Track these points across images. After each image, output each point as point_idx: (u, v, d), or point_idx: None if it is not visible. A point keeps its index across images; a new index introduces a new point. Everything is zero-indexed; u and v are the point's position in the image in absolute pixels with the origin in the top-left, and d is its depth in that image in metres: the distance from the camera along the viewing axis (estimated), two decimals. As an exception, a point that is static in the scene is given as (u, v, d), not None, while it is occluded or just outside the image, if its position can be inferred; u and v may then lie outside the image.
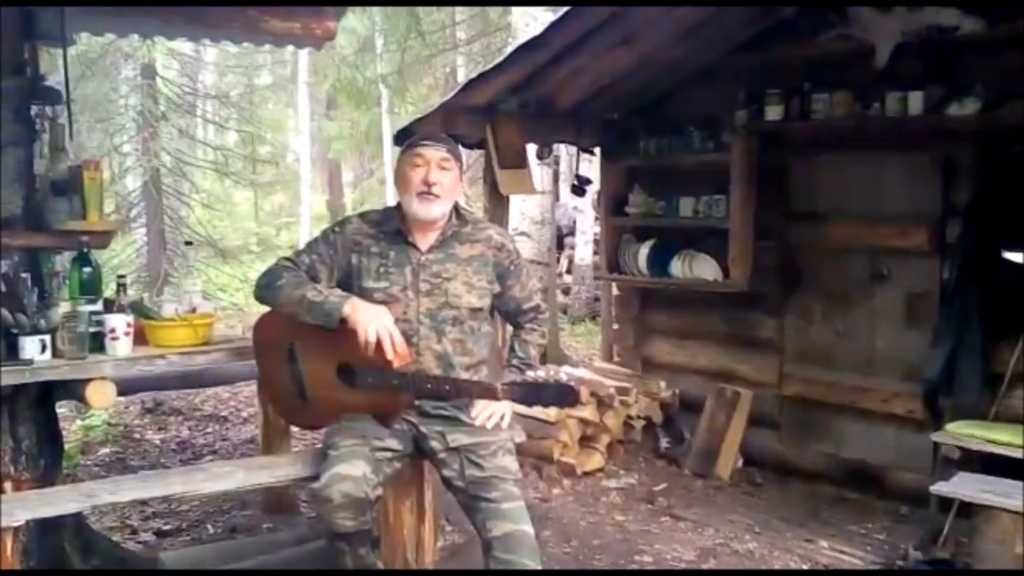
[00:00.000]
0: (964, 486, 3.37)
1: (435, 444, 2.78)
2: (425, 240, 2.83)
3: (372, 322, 2.64)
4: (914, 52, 4.07)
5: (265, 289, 2.85)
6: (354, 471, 2.59)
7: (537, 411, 4.77)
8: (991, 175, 3.98)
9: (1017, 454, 3.53)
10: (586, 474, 4.87)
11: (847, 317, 4.63)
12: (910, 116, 4.12)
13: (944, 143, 4.14)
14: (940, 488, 3.41)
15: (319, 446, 2.91)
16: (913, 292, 4.36)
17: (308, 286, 2.76)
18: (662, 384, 5.31)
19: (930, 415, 4.17)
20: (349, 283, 2.84)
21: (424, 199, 2.75)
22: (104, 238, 3.30)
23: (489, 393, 2.73)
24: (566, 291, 10.41)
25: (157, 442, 5.51)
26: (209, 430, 5.81)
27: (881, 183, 4.43)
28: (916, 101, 4.10)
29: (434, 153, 2.78)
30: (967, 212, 4.04)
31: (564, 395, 2.69)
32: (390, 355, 2.64)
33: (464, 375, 2.80)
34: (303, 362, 2.88)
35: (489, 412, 2.79)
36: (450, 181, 2.79)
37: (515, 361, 3.00)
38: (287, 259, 2.90)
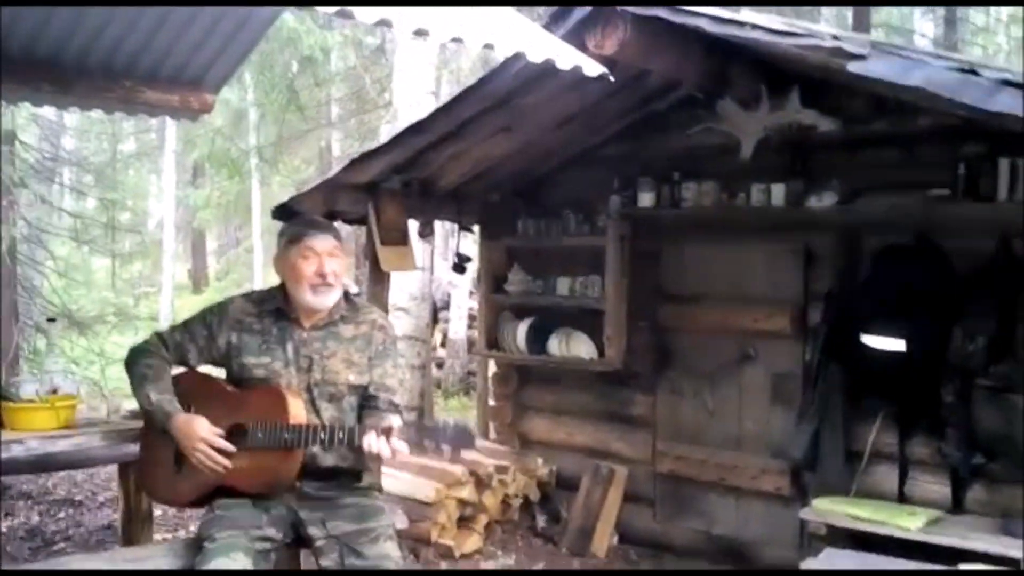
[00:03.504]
0: (832, 562, 3.49)
1: (314, 531, 2.71)
2: (310, 319, 2.84)
3: (186, 441, 2.66)
4: (776, 148, 4.34)
5: (127, 367, 2.86)
6: (233, 564, 2.49)
7: (414, 492, 4.70)
8: (848, 263, 4.24)
9: (878, 529, 3.71)
10: (464, 556, 4.79)
11: (717, 396, 4.79)
12: (773, 207, 4.36)
13: (805, 233, 4.39)
14: (810, 564, 3.52)
15: (183, 534, 2.77)
16: (778, 373, 4.55)
17: (151, 384, 2.75)
18: (540, 461, 5.32)
19: (796, 491, 4.33)
20: (229, 362, 2.84)
21: (319, 291, 2.80)
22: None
23: (387, 434, 2.68)
24: (440, 365, 10.39)
25: (3, 530, 5.11)
26: (62, 515, 5.43)
27: (747, 269, 4.65)
28: (778, 193, 4.34)
29: (324, 245, 2.83)
30: (827, 298, 4.29)
31: (462, 435, 2.71)
32: (218, 469, 2.65)
33: (342, 452, 2.74)
34: None
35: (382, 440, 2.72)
36: (340, 268, 2.86)
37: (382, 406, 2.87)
38: (158, 335, 2.91)
